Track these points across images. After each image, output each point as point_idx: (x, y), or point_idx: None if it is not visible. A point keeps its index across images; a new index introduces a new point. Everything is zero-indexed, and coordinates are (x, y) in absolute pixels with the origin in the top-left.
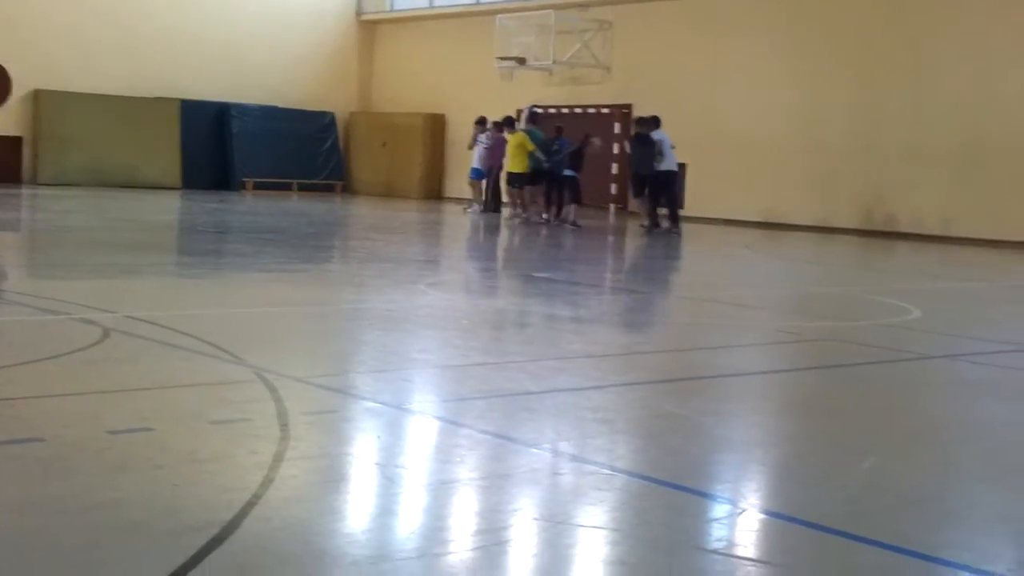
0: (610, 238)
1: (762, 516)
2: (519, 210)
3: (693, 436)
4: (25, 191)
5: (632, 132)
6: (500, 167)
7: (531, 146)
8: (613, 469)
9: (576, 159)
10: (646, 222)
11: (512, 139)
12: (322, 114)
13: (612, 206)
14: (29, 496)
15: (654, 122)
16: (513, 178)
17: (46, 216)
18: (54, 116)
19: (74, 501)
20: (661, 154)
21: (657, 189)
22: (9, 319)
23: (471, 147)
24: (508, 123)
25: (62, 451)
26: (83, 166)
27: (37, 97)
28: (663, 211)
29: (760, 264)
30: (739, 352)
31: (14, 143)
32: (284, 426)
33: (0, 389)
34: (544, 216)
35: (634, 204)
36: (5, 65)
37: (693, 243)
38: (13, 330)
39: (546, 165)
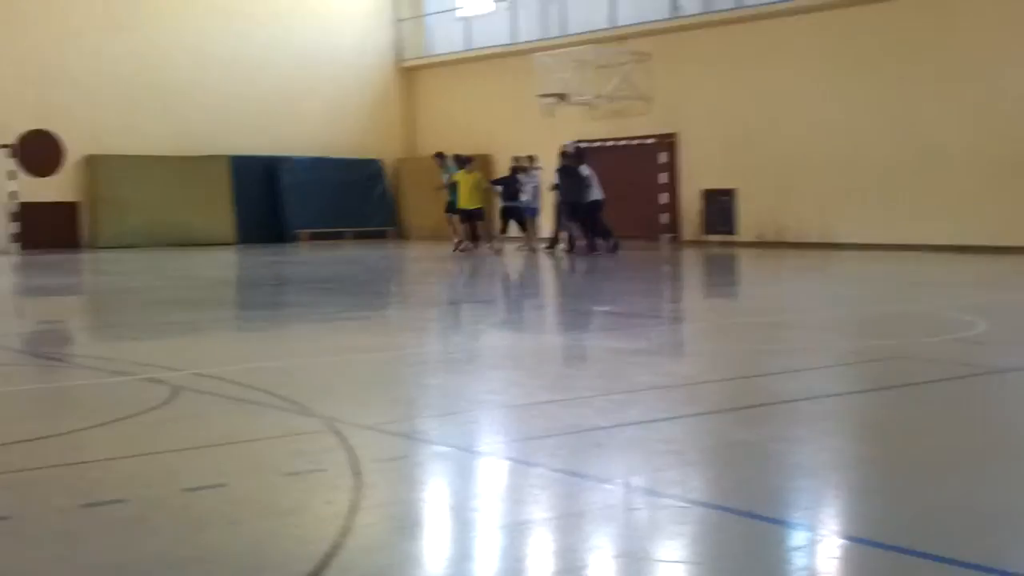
0: (665, 268)
1: (843, 542)
2: (468, 243)
3: (766, 464)
4: (85, 255)
5: (559, 165)
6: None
7: (485, 184)
8: (688, 501)
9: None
10: (575, 244)
11: (469, 178)
12: (370, 162)
13: (664, 236)
14: (116, 557)
15: (578, 156)
16: (470, 213)
17: (108, 278)
18: (108, 180)
19: (160, 561)
20: (589, 186)
21: (590, 216)
22: (81, 383)
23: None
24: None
25: (143, 511)
26: (139, 227)
27: (90, 162)
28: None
29: (818, 285)
30: (806, 376)
31: (71, 208)
32: (357, 474)
33: (78, 452)
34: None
35: (568, 229)
36: (56, 133)
37: (749, 267)
38: (86, 393)
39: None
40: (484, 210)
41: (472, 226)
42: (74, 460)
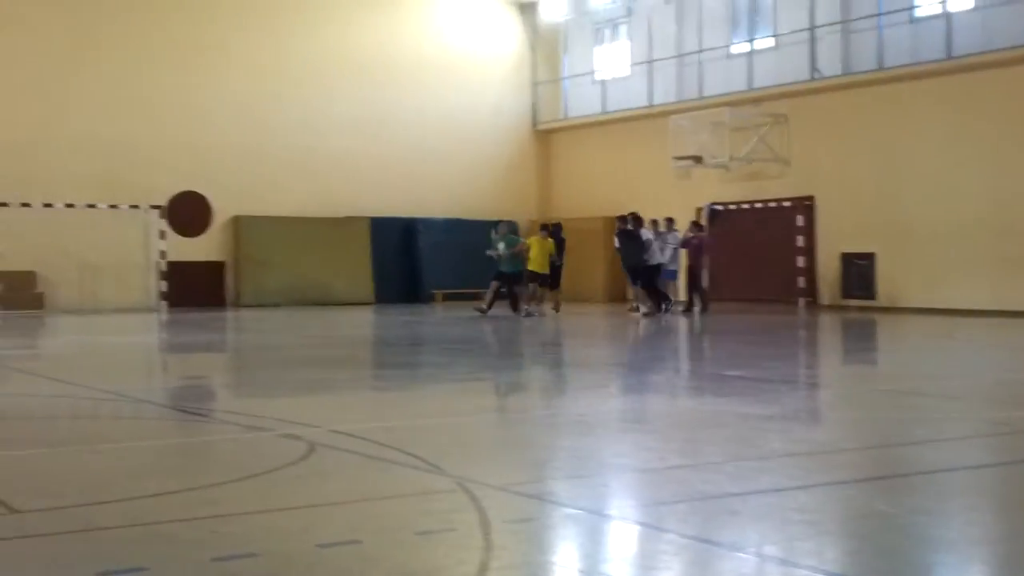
0: (801, 332)
1: None
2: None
3: (907, 536)
4: (229, 313)
5: (617, 229)
6: (699, 267)
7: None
8: (824, 572)
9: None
10: (646, 307)
11: (544, 244)
12: (501, 222)
13: (801, 300)
14: None
15: (637, 221)
16: (538, 276)
17: (249, 336)
18: (253, 240)
19: None
20: (649, 250)
21: (649, 280)
22: (220, 437)
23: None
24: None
25: (275, 566)
26: (281, 286)
27: (236, 223)
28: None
29: (960, 352)
30: (948, 446)
31: (217, 267)
32: (487, 535)
33: (214, 506)
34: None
35: (631, 292)
36: (206, 195)
37: (887, 333)
38: (225, 448)
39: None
40: (549, 275)
41: (539, 288)
42: (211, 514)
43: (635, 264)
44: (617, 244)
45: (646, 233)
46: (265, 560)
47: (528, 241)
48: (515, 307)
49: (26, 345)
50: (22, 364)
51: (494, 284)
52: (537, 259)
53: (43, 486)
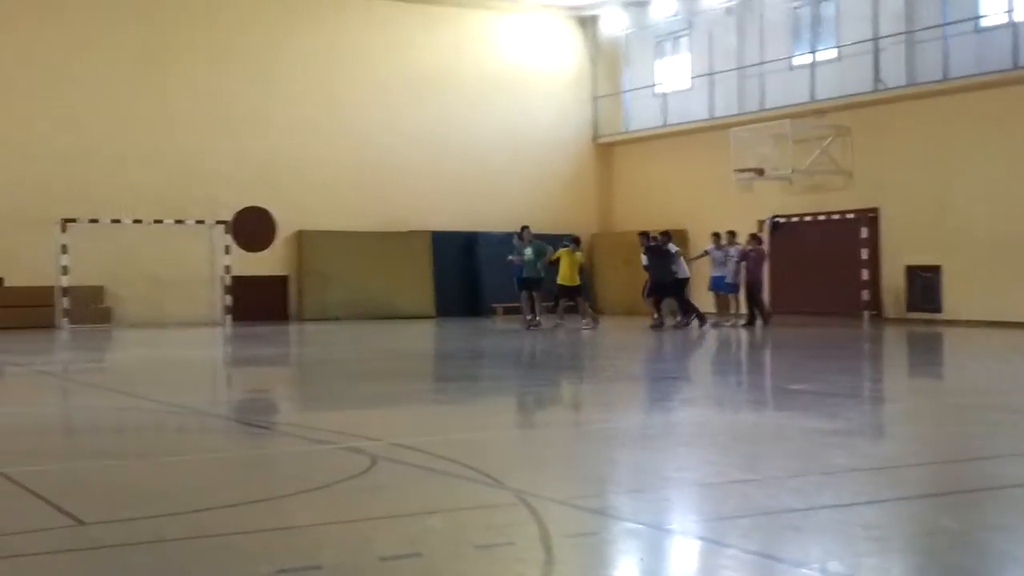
0: (865, 346)
1: None
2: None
3: (975, 553)
4: (292, 327)
5: (645, 244)
6: (759, 280)
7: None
8: None
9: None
10: (674, 320)
11: (573, 257)
12: (565, 237)
13: (865, 313)
14: None
15: (666, 236)
16: (569, 290)
17: (311, 350)
18: (315, 254)
19: None
20: (676, 263)
21: (677, 293)
22: (284, 450)
23: (695, 259)
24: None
25: None
26: (343, 300)
27: (300, 237)
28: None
29: None
30: (1016, 461)
31: (281, 282)
32: (548, 549)
33: (278, 518)
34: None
35: (648, 303)
36: (270, 210)
37: (953, 347)
38: (288, 461)
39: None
40: (580, 288)
41: (567, 302)
42: (274, 526)
43: (663, 279)
44: (645, 261)
45: (673, 247)
46: (328, 572)
47: (558, 253)
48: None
49: (94, 359)
50: (90, 378)
51: (525, 294)
52: (566, 272)
53: (111, 498)
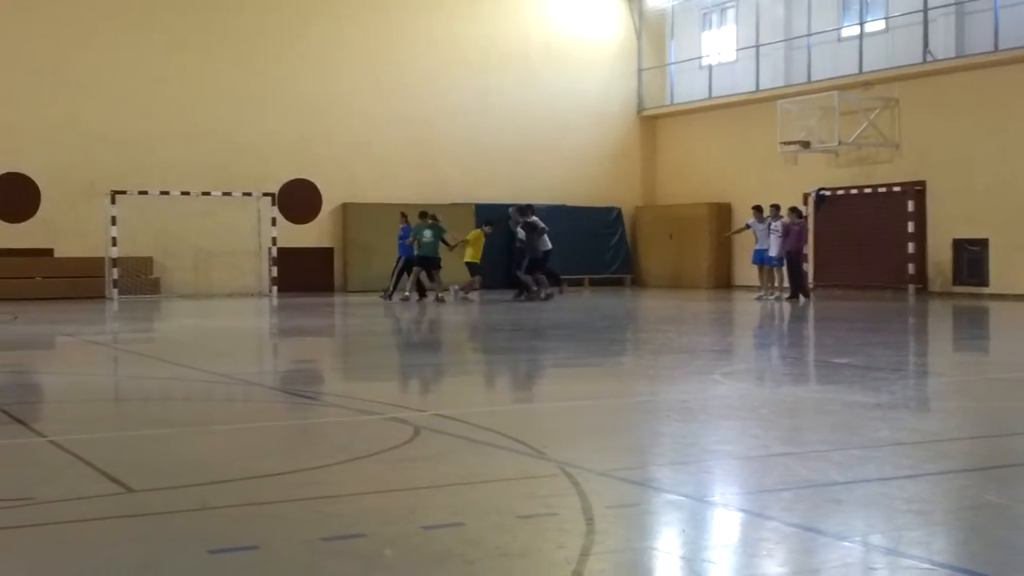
0: (911, 320)
1: None
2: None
3: (1019, 528)
4: (337, 298)
5: (520, 221)
6: (799, 252)
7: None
8: (932, 563)
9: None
10: (547, 291)
11: (480, 237)
12: (608, 210)
13: (911, 287)
14: None
15: (531, 210)
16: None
17: (356, 321)
18: (360, 227)
19: None
20: (541, 239)
21: (544, 265)
22: (328, 420)
23: (736, 232)
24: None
25: (381, 547)
26: (386, 272)
27: (345, 210)
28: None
29: None
30: None
31: (327, 254)
32: (589, 520)
33: (323, 487)
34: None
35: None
36: (316, 182)
37: (999, 321)
38: (332, 430)
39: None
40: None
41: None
42: (319, 494)
43: (535, 254)
44: (521, 235)
45: (540, 223)
46: (371, 540)
47: (475, 233)
48: (422, 293)
49: (142, 329)
50: (139, 347)
51: (403, 269)
52: (475, 252)
53: (158, 466)
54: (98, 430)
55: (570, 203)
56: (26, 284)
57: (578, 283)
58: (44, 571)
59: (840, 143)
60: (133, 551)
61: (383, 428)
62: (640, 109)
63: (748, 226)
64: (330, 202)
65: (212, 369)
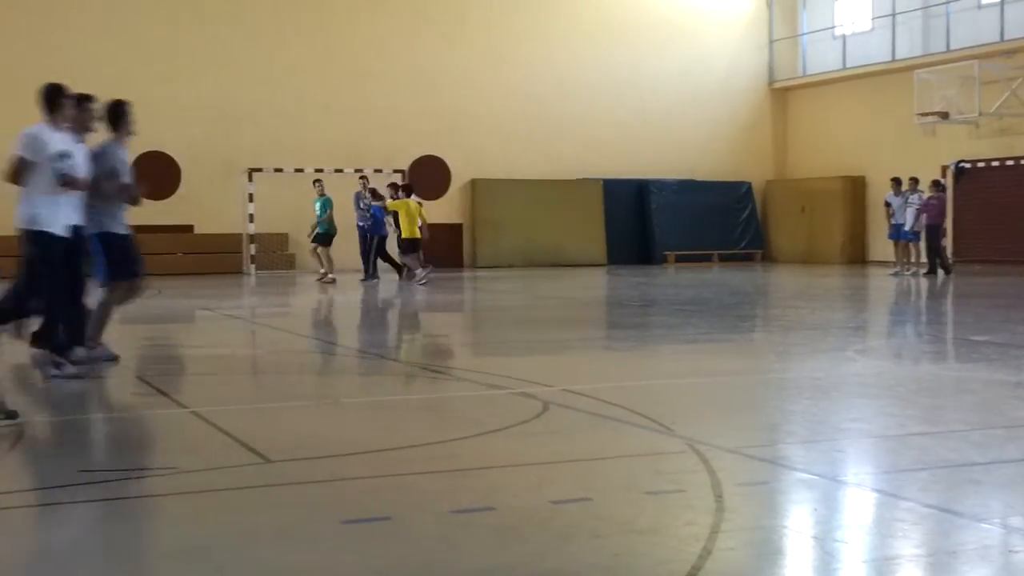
0: None
1: None
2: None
3: None
4: (466, 274)
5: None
6: (938, 227)
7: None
8: None
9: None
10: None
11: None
12: (738, 184)
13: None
14: (485, 563)
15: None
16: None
17: (485, 296)
18: (488, 203)
19: (524, 569)
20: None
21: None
22: (459, 394)
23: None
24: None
25: (511, 520)
26: (515, 248)
27: (474, 186)
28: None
29: None
30: None
31: (456, 230)
32: (718, 497)
33: (454, 460)
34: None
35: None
36: (445, 159)
37: None
38: (463, 404)
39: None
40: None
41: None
42: (449, 468)
43: (411, 234)
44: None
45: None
46: (501, 514)
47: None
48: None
49: (279, 303)
50: (275, 322)
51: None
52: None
53: (294, 438)
54: (237, 402)
55: (699, 178)
56: (168, 260)
57: (707, 259)
58: (187, 537)
59: (980, 114)
60: (270, 520)
61: (512, 403)
62: (771, 81)
63: (887, 203)
64: (459, 178)
65: (345, 343)
